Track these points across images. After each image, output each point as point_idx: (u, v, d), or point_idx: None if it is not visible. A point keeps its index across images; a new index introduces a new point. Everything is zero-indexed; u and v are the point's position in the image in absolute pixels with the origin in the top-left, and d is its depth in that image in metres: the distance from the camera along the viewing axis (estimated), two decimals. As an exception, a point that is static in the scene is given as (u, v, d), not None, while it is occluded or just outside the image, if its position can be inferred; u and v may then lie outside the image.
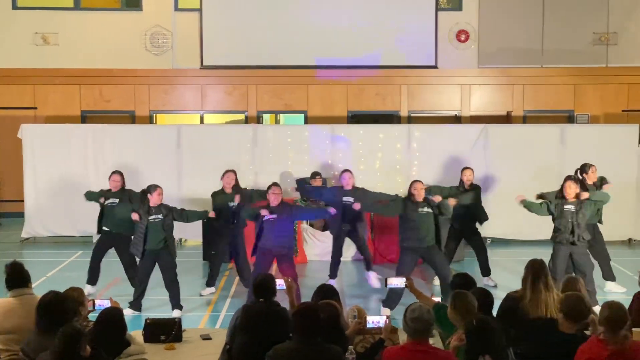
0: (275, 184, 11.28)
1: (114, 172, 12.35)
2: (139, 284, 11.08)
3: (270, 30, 19.37)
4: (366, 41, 19.25)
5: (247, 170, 16.53)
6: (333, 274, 12.68)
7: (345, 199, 12.45)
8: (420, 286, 8.06)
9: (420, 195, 11.07)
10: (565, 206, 11.07)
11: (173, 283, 10.98)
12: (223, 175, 12.59)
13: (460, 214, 12.69)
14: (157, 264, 10.99)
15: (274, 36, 19.37)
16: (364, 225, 12.91)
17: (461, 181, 13.28)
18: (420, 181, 11.33)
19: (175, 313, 10.75)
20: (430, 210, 11.05)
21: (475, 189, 13.22)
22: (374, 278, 12.64)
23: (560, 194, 11.30)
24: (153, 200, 10.95)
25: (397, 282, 8.18)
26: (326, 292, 7.16)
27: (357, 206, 12.12)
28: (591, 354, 5.74)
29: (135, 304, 10.99)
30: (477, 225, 13.34)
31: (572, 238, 10.97)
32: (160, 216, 10.90)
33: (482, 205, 13.35)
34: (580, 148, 16.23)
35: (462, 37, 19.53)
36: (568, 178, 11.29)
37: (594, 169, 12.48)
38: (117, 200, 11.91)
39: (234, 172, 12.68)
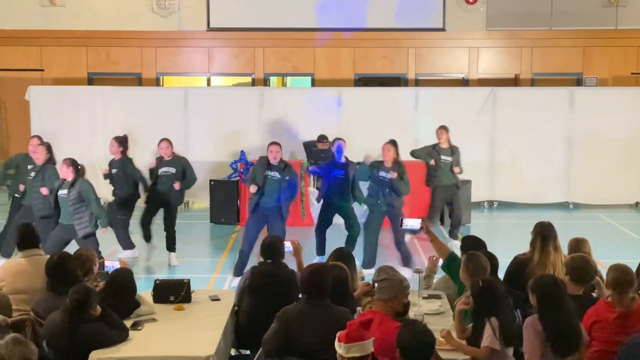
0: (274, 143, 10.73)
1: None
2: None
3: (278, -8, 19.24)
4: (374, 3, 19.10)
5: (254, 132, 16.53)
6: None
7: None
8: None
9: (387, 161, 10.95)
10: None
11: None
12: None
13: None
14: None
15: (281, -2, 19.25)
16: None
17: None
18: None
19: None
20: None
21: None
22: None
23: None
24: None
25: (413, 222, 8.10)
26: (342, 257, 7.05)
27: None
28: (598, 316, 5.78)
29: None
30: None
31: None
32: None
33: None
34: (589, 111, 16.18)
35: (471, -1, 19.36)
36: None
37: (442, 131, 12.69)
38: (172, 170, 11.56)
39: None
